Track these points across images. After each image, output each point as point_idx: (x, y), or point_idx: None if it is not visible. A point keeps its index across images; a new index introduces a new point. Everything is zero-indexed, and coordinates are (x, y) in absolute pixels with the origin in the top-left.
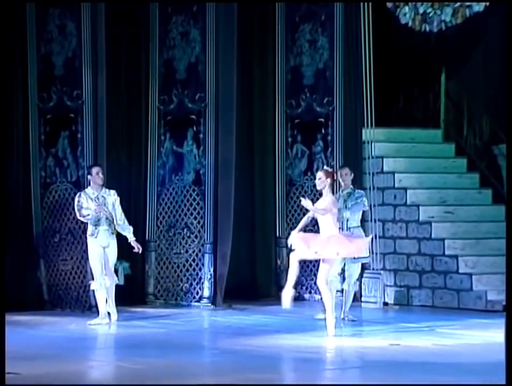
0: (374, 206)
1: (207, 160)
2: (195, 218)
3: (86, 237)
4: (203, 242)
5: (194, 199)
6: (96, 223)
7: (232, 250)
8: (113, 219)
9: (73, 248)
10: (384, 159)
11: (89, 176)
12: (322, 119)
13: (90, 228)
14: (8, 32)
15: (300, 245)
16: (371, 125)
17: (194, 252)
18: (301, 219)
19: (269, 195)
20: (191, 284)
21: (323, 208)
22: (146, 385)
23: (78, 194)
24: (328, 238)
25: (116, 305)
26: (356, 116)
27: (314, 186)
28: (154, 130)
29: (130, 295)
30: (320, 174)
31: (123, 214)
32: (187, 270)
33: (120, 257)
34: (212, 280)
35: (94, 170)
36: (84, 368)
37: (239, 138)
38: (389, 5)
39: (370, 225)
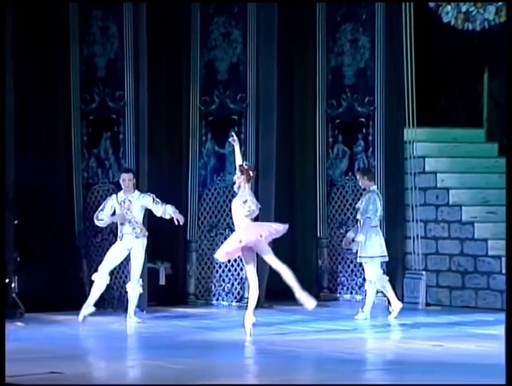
0: (416, 206)
1: (248, 160)
2: None
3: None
4: None
5: None
6: (122, 227)
7: (272, 250)
8: (137, 223)
9: None
10: (426, 159)
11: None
12: (363, 119)
13: (119, 231)
14: (51, 34)
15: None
16: (413, 125)
17: None
18: (342, 219)
19: (310, 195)
20: (232, 284)
21: (253, 210)
22: (186, 385)
23: (111, 195)
24: (246, 226)
25: (157, 305)
26: (397, 116)
27: (355, 186)
28: (196, 130)
29: (171, 295)
30: (237, 172)
31: (159, 206)
32: (229, 270)
33: (161, 257)
34: None
35: (121, 176)
36: (125, 367)
37: (279, 138)
38: (431, 4)
39: (412, 225)
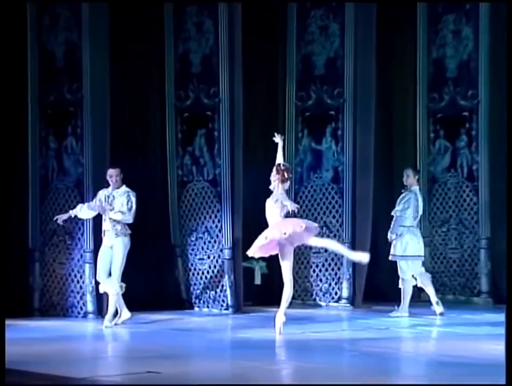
0: None
1: (345, 157)
2: (334, 216)
3: (221, 236)
4: (341, 241)
5: (333, 197)
6: (104, 223)
7: (370, 249)
8: (117, 221)
9: (209, 247)
10: None
11: None
12: (466, 113)
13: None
14: (146, 32)
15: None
16: None
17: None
18: (444, 216)
19: None
20: (329, 284)
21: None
22: (285, 385)
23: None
24: (275, 223)
25: (254, 304)
26: (502, 109)
27: (458, 182)
28: (292, 127)
29: (267, 295)
30: (273, 171)
31: (127, 209)
32: (326, 270)
33: None
34: (351, 280)
35: (108, 172)
36: (219, 367)
37: (378, 134)
38: None
39: None
